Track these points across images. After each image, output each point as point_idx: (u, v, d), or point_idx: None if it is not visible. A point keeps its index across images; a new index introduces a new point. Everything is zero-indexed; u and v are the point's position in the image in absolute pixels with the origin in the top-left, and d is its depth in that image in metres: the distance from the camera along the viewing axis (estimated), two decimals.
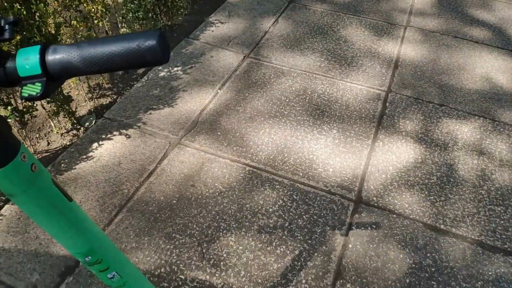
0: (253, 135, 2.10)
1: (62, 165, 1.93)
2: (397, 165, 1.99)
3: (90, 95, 2.32)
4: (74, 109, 2.22)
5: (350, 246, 1.65)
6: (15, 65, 0.51)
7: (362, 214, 1.77)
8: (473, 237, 1.70)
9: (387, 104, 2.33)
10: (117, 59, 0.51)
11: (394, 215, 1.76)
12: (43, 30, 1.79)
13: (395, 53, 2.74)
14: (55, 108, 2.01)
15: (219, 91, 2.36)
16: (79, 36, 2.17)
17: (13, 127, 1.85)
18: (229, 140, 2.07)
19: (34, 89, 0.51)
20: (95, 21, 2.20)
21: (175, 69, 2.51)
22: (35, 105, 1.90)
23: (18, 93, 2.26)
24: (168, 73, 2.48)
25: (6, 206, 1.77)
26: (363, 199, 1.83)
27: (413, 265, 1.59)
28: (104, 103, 2.30)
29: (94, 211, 1.75)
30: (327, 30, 2.92)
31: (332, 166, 1.96)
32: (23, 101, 2.00)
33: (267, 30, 2.88)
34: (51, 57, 0.51)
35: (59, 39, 1.89)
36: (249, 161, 1.97)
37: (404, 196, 1.85)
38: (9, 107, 1.75)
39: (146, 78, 2.44)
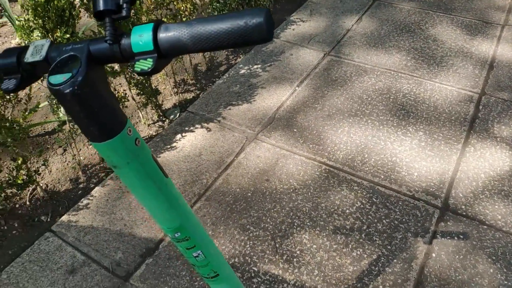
0: (331, 133, 2.05)
1: None
2: (490, 173, 1.81)
3: (175, 89, 2.43)
4: (160, 102, 2.34)
5: (433, 255, 1.53)
6: (129, 42, 0.54)
7: (449, 223, 1.63)
8: None
9: (480, 107, 2.15)
10: (224, 37, 0.51)
11: (485, 226, 1.61)
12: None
13: (490, 53, 2.51)
14: (144, 100, 2.14)
15: (297, 88, 2.35)
16: None
17: None
18: (305, 138, 2.04)
19: (146, 64, 0.53)
20: (183, 19, 2.30)
21: (255, 67, 2.54)
22: (126, 95, 2.03)
23: (113, 81, 2.43)
24: (248, 71, 2.51)
25: (96, 188, 1.91)
26: (450, 206, 1.69)
27: (505, 282, 1.44)
28: (188, 97, 2.40)
29: None
30: (414, 28, 2.77)
31: (417, 170, 1.85)
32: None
33: (350, 28, 2.81)
34: (162, 35, 0.53)
35: None
36: (326, 160, 1.93)
37: (497, 206, 1.68)
38: None
39: (227, 75, 2.50)
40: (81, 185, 1.95)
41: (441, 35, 2.70)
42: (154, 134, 2.17)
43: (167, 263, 1.59)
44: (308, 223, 1.68)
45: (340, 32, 2.78)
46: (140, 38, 0.53)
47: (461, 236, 1.59)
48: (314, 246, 1.60)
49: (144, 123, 2.24)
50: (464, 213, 1.66)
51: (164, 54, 0.54)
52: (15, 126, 1.68)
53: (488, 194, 1.73)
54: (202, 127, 2.16)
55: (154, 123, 2.25)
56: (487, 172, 1.82)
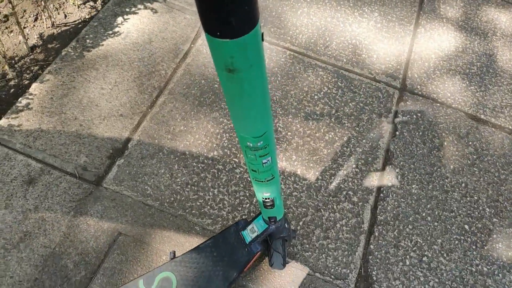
0: (291, 14, 1.94)
1: (87, 40, 1.75)
2: (439, 53, 1.93)
3: None
4: None
5: (397, 133, 1.67)
6: None
7: (408, 102, 1.75)
8: (510, 127, 1.75)
9: None
10: None
11: (438, 104, 1.77)
12: None
13: None
14: None
15: None
16: None
17: None
18: (265, 20, 1.91)
19: None
20: None
21: None
22: None
23: None
24: None
25: (34, 85, 1.62)
26: (408, 87, 1.80)
27: (456, 153, 1.65)
28: None
29: (133, 91, 1.64)
30: None
31: (376, 52, 1.88)
32: None
33: None
34: None
35: None
36: (289, 45, 1.85)
37: (446, 85, 1.83)
38: None
39: None
40: (11, 82, 1.64)
41: None
42: (87, 17, 1.84)
43: (141, 162, 1.49)
44: (280, 112, 1.67)
45: None
46: None
47: (419, 115, 1.73)
48: (289, 133, 1.62)
49: (73, 3, 1.87)
50: (420, 93, 1.79)
51: None
52: None
53: (438, 74, 1.86)
54: (145, 7, 1.88)
55: (84, 3, 1.88)
56: (436, 53, 1.93)
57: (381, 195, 1.51)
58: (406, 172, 1.57)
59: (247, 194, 1.46)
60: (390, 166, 1.58)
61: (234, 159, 1.53)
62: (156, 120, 1.59)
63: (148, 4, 1.88)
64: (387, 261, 1.37)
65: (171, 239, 1.34)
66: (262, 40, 0.50)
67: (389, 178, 1.55)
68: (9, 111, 1.55)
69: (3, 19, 1.76)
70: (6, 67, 1.66)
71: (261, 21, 0.43)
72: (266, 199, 0.90)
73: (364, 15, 2.00)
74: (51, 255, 1.29)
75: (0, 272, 1.26)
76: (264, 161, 0.72)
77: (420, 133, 1.68)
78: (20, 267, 1.27)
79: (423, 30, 2.00)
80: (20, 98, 1.59)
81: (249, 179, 1.50)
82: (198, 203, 1.43)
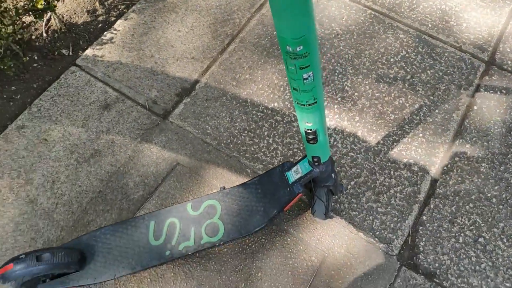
0: None
1: None
2: None
3: None
4: None
5: (475, 107, 1.54)
6: None
7: (493, 77, 1.60)
8: None
9: None
10: None
11: None
12: None
13: None
14: None
15: None
16: None
17: None
18: None
19: None
20: None
21: None
22: None
23: None
24: None
25: (119, 21, 1.74)
26: (496, 61, 1.64)
27: None
28: None
29: (207, 37, 1.69)
30: None
31: (467, 20, 1.72)
32: None
33: None
34: None
35: None
36: (371, 4, 1.77)
37: None
38: None
39: None
40: (100, 18, 1.78)
41: None
42: None
43: (205, 103, 1.55)
44: (350, 71, 1.61)
45: None
46: None
47: (504, 91, 1.57)
48: (356, 93, 1.57)
49: None
50: (510, 69, 1.62)
51: None
52: None
53: None
54: None
55: None
56: None
57: (445, 168, 1.41)
58: (477, 149, 1.45)
59: (301, 147, 1.46)
60: (461, 141, 1.47)
61: (293, 112, 1.53)
62: (224, 66, 1.63)
63: None
64: (438, 235, 1.30)
65: (223, 176, 1.39)
66: None
67: (457, 152, 1.44)
68: (94, 43, 1.69)
69: None
70: (97, 4, 1.79)
71: None
72: (308, 130, 0.89)
73: None
74: (116, 172, 1.41)
75: (71, 180, 1.41)
76: (305, 75, 0.70)
77: (501, 111, 1.53)
78: (88, 179, 1.41)
79: None
80: (106, 32, 1.72)
81: None
82: (253, 149, 1.46)
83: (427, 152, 1.44)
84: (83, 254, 1.11)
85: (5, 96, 1.61)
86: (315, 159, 1.05)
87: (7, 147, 1.48)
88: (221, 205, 1.15)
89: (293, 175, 1.12)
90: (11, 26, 1.54)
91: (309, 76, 0.71)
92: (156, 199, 1.35)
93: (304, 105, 0.80)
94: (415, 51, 1.65)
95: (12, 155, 1.46)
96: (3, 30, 1.53)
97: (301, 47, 0.65)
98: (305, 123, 0.88)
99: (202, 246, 1.11)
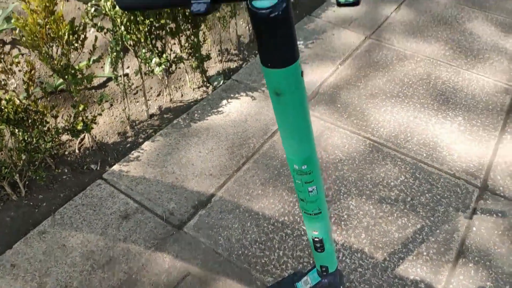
0: (374, 111, 2.12)
1: (196, 115, 2.09)
2: None
3: (219, 57, 2.48)
4: (205, 69, 2.38)
5: (474, 229, 1.62)
6: None
7: (488, 201, 1.72)
8: None
9: None
10: None
11: None
12: None
13: None
14: (194, 64, 2.18)
15: (339, 66, 2.40)
16: None
17: (158, 75, 2.03)
18: (349, 113, 2.11)
19: None
20: None
21: (297, 43, 2.59)
22: (210, 54, 2.08)
23: (170, 44, 2.46)
24: None
25: (146, 142, 1.96)
26: (489, 187, 1.77)
27: None
28: (231, 66, 2.44)
29: (224, 157, 1.88)
30: (451, 21, 2.83)
31: (457, 151, 1.92)
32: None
33: (389, 15, 2.86)
34: None
35: None
36: (370, 135, 2.00)
37: None
38: (164, 55, 1.94)
39: None
40: (129, 139, 2.00)
41: (477, 30, 2.76)
42: (199, 98, 2.22)
43: (219, 215, 1.65)
44: (354, 192, 1.75)
45: (379, 18, 2.83)
46: None
47: (499, 214, 1.67)
48: (361, 212, 1.67)
49: (190, 86, 2.29)
50: (502, 194, 1.75)
51: None
52: (78, 73, 1.72)
53: None
54: (246, 95, 2.21)
55: (198, 87, 2.29)
56: None
57: (450, 286, 1.43)
58: (480, 268, 1.48)
59: (311, 261, 1.51)
60: (464, 260, 1.51)
61: (302, 226, 1.61)
62: (239, 182, 1.78)
63: (249, 93, 2.22)
64: None
65: (232, 287, 1.41)
66: (302, 76, 0.68)
67: (461, 271, 1.48)
68: (122, 160, 1.88)
69: (134, 90, 2.22)
70: (128, 127, 2.04)
71: (300, 60, 0.59)
72: (315, 238, 0.98)
73: (448, 118, 2.09)
74: (128, 280, 1.44)
75: (84, 286, 1.43)
76: (309, 189, 0.83)
77: (500, 232, 1.60)
78: (100, 285, 1.43)
79: (509, 136, 2.00)
80: (133, 151, 1.92)
81: None
82: (263, 261, 1.50)
83: (432, 270, 1.48)
84: None
85: (31, 203, 1.74)
86: (323, 269, 1.11)
87: (26, 250, 1.54)
88: None
89: (303, 286, 1.16)
90: (50, 143, 1.74)
91: (313, 189, 0.84)
92: None
93: (310, 214, 0.91)
94: (413, 176, 1.81)
95: (30, 258, 1.52)
96: (42, 145, 1.73)
97: (306, 166, 0.80)
98: (313, 232, 0.98)
99: None
